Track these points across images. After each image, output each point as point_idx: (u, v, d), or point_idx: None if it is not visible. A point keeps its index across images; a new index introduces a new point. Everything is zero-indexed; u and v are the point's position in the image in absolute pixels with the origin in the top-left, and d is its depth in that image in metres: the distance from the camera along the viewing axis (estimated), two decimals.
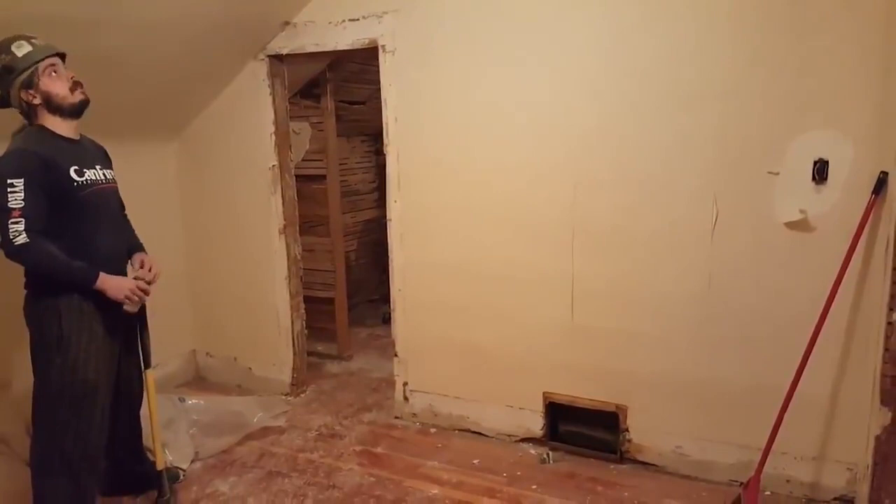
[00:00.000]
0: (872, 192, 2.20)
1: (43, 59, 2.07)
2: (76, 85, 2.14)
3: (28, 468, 2.23)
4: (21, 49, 2.05)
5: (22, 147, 2.04)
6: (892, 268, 2.16)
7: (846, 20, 2.20)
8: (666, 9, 2.45)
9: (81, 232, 2.14)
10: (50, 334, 2.11)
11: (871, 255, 2.27)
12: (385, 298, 3.78)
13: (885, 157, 2.18)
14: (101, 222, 2.21)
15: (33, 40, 2.08)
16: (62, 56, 2.14)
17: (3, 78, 2.05)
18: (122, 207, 2.44)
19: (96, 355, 2.16)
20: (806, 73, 2.27)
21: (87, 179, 2.15)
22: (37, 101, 2.08)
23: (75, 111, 2.16)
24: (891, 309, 2.17)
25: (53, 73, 2.09)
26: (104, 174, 2.25)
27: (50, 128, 2.12)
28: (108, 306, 2.20)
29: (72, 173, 2.10)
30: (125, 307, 2.22)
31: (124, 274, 2.34)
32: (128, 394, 2.44)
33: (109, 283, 2.15)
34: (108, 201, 2.27)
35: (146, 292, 2.27)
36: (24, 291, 2.17)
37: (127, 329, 2.36)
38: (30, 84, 2.06)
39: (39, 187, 2.01)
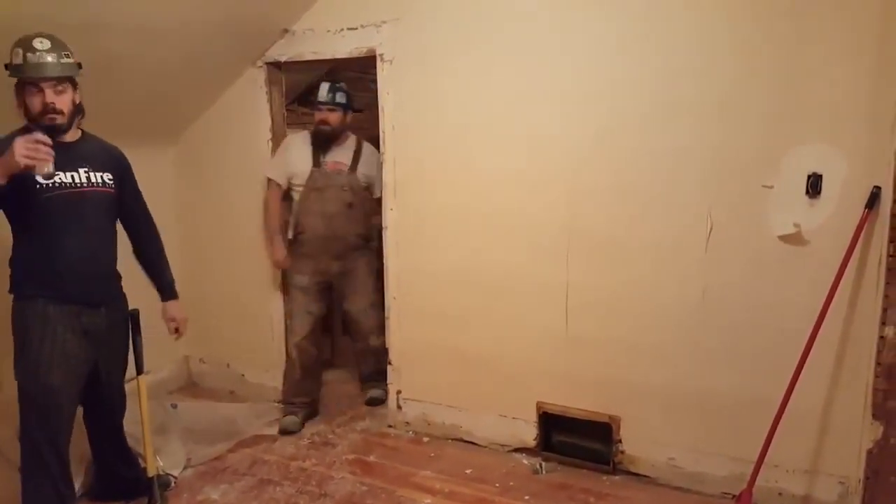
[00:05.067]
0: (865, 207, 2.22)
1: (27, 78, 2.05)
2: (46, 109, 2.07)
3: (19, 473, 2.22)
4: (17, 57, 2.03)
5: None
6: (885, 282, 2.18)
7: (840, 35, 2.22)
8: (663, 22, 2.47)
9: (45, 234, 2.11)
10: (17, 339, 2.13)
11: (863, 269, 2.28)
12: (380, 306, 3.77)
13: (878, 172, 2.20)
14: (68, 226, 2.15)
15: (38, 52, 2.03)
16: (64, 78, 2.09)
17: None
18: (116, 216, 2.35)
19: (60, 361, 2.14)
20: (800, 88, 2.29)
21: (55, 182, 2.10)
22: (18, 101, 2.09)
23: (48, 131, 2.06)
24: (883, 323, 2.19)
25: (34, 90, 2.06)
26: (89, 177, 2.19)
27: (34, 128, 2.09)
28: (77, 311, 2.18)
29: (36, 176, 2.05)
30: (39, 170, 1.96)
31: (97, 285, 2.26)
32: (109, 399, 2.41)
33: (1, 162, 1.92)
34: (82, 206, 2.18)
35: (44, 143, 1.94)
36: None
37: (109, 334, 2.31)
38: (18, 87, 2.08)
39: None
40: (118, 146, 2.40)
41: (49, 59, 2.05)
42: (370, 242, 3.38)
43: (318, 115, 3.21)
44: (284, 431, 3.18)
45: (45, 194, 2.09)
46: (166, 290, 2.53)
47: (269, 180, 3.28)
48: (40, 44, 2.05)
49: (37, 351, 2.12)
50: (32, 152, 1.91)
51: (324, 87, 3.21)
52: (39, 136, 1.95)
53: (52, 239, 2.12)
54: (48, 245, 2.12)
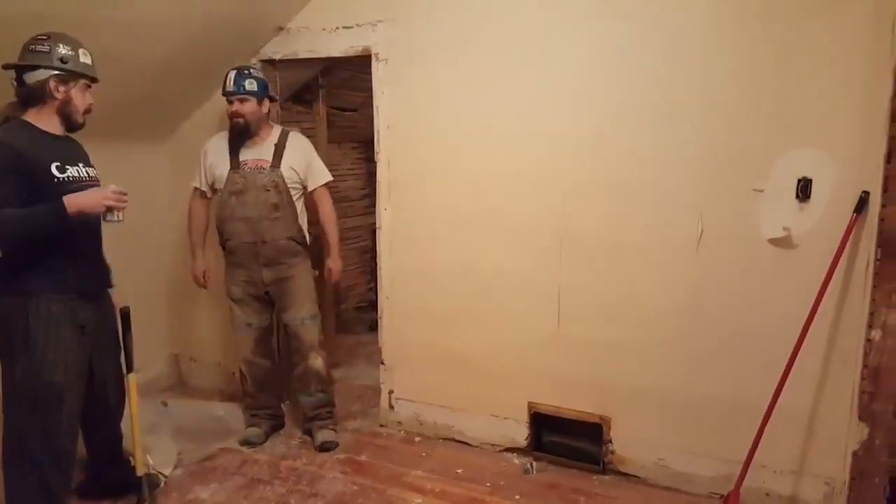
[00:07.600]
0: (854, 211, 2.25)
1: (88, 77, 2.21)
2: (88, 111, 2.23)
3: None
4: (86, 57, 2.19)
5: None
6: (872, 286, 2.21)
7: (831, 41, 2.25)
8: (657, 26, 2.49)
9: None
10: (16, 335, 2.10)
11: (851, 273, 2.31)
12: (372, 306, 3.77)
13: (867, 177, 2.23)
14: (84, 220, 2.17)
15: (87, 53, 2.21)
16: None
17: (50, 59, 2.10)
18: None
19: (64, 359, 2.14)
20: (791, 93, 2.32)
21: (69, 176, 2.14)
22: (59, 95, 2.14)
23: (71, 127, 2.22)
24: (869, 326, 2.22)
25: (87, 91, 2.22)
26: (87, 172, 2.24)
27: (34, 122, 2.13)
28: (77, 308, 2.18)
29: (53, 169, 2.10)
30: (109, 218, 2.12)
31: (99, 275, 2.33)
32: (103, 397, 2.40)
33: (82, 200, 2.06)
34: None
35: (125, 194, 2.15)
36: None
37: (101, 331, 2.33)
38: (65, 82, 2.14)
39: (10, 174, 2.00)
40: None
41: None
42: (306, 246, 3.02)
43: (229, 109, 2.87)
44: (246, 443, 3.03)
45: (63, 188, 2.09)
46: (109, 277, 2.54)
47: (194, 189, 3.06)
48: (81, 46, 2.19)
49: (42, 349, 2.10)
50: (118, 202, 2.10)
51: (230, 76, 2.85)
52: (121, 188, 2.12)
53: (70, 231, 2.11)
54: (66, 237, 2.11)
